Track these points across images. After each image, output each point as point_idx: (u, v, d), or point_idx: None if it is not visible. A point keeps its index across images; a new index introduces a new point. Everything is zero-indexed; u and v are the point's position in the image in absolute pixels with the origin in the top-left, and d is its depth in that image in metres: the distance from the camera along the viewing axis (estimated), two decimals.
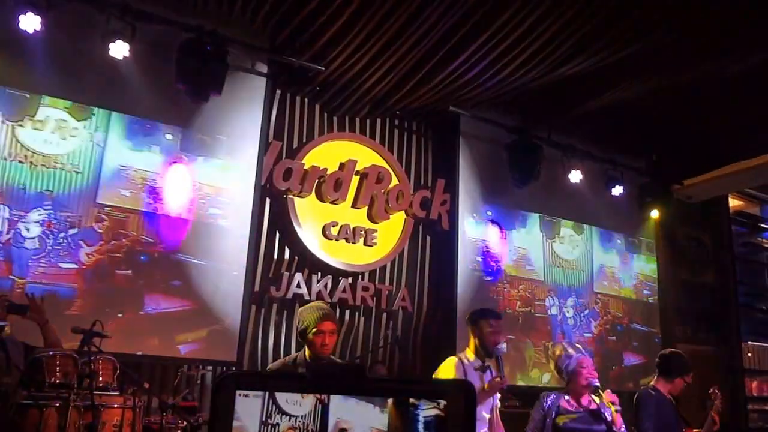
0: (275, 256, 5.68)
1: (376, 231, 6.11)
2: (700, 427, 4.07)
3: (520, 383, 6.46)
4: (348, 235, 5.93)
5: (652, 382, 3.86)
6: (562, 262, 7.35)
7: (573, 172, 6.93)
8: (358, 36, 5.18)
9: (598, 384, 3.18)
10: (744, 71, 5.79)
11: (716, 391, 4.08)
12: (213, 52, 5.00)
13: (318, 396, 0.90)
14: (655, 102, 6.56)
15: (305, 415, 0.91)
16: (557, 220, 7.38)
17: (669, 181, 7.93)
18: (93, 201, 4.86)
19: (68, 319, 4.32)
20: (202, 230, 5.24)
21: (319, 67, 5.54)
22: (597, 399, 3.17)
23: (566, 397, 3.23)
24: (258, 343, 5.46)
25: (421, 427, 0.88)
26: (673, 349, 4.17)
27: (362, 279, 6.00)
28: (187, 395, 4.65)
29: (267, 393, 0.90)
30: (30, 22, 4.43)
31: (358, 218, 6.07)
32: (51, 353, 3.42)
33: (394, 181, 6.27)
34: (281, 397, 0.91)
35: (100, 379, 3.46)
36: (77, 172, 4.83)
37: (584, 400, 3.23)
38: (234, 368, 5.09)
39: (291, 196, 5.72)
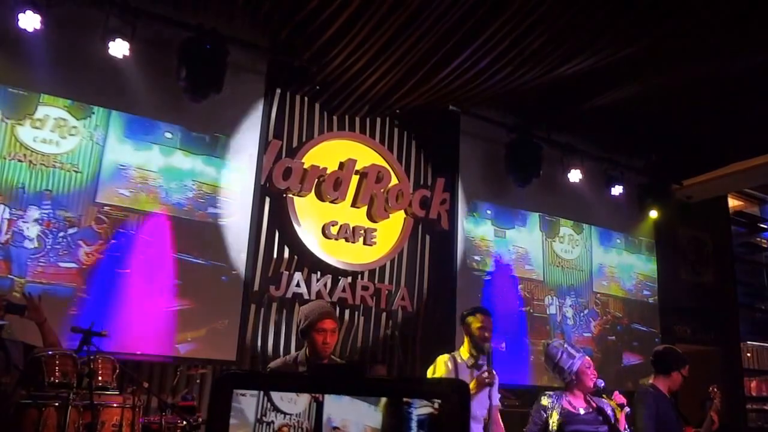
0: (275, 256, 5.67)
1: (375, 230, 6.10)
2: (699, 426, 4.08)
3: (519, 383, 6.46)
4: (347, 235, 5.93)
5: (650, 381, 3.87)
6: (562, 262, 7.35)
7: (573, 171, 6.93)
8: (358, 35, 5.18)
9: (603, 384, 3.17)
10: (744, 71, 5.80)
11: (715, 390, 4.09)
12: (213, 50, 5.00)
13: (313, 395, 0.90)
14: (654, 102, 6.57)
15: (300, 413, 0.91)
16: (557, 220, 7.38)
17: (668, 181, 7.94)
18: (92, 200, 4.85)
19: (68, 318, 4.31)
20: (201, 229, 5.23)
21: (319, 66, 5.54)
22: (609, 402, 3.17)
23: (567, 398, 3.22)
24: (258, 342, 5.46)
25: (414, 425, 0.88)
26: (666, 345, 4.17)
27: (362, 278, 6.00)
28: (187, 395, 4.64)
29: (262, 392, 0.91)
30: (29, 21, 4.42)
31: (358, 217, 6.07)
32: (50, 353, 3.41)
33: (394, 181, 6.26)
34: (276, 395, 0.91)
35: (100, 378, 3.44)
36: (76, 171, 4.83)
37: (585, 400, 3.23)
38: (234, 368, 5.08)
39: (290, 195, 5.71)
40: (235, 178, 5.44)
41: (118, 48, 4.69)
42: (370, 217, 6.11)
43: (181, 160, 5.25)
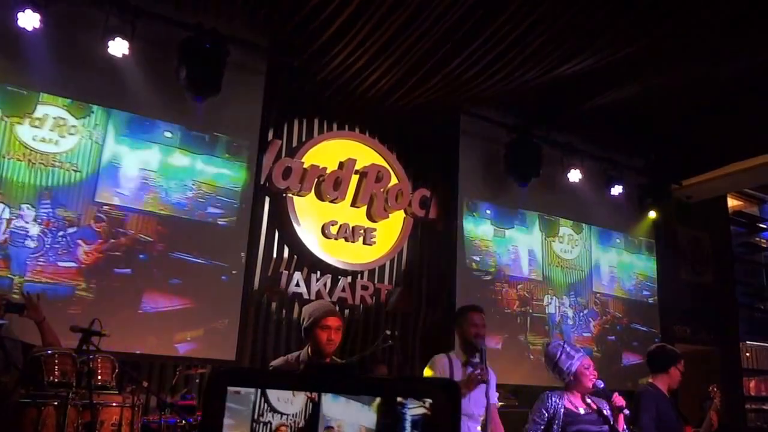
0: (274, 255, 5.67)
1: (375, 230, 6.10)
2: (699, 426, 4.08)
3: (519, 382, 6.46)
4: (347, 234, 5.93)
5: (649, 380, 3.87)
6: (561, 262, 7.35)
7: (572, 171, 6.93)
8: (358, 35, 5.17)
9: (603, 386, 3.17)
10: (744, 71, 5.80)
11: (715, 389, 4.09)
12: (212, 50, 5.00)
13: (308, 395, 0.91)
14: (654, 102, 6.57)
15: (296, 414, 0.92)
16: (556, 220, 7.38)
17: (668, 181, 7.94)
18: (92, 199, 4.84)
19: (67, 317, 4.30)
20: (201, 229, 5.23)
21: (319, 66, 5.54)
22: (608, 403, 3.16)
23: (568, 398, 3.21)
24: (257, 342, 5.45)
25: (408, 425, 0.89)
26: (657, 344, 4.18)
27: (361, 278, 6.00)
28: (186, 394, 4.64)
29: (259, 392, 0.91)
30: (29, 20, 4.42)
31: (358, 217, 6.06)
32: (49, 352, 3.40)
33: (394, 180, 6.26)
34: (272, 396, 0.92)
35: (99, 377, 3.43)
36: (76, 171, 4.82)
37: (586, 400, 3.22)
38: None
39: (290, 195, 5.71)
40: (235, 178, 5.44)
41: (118, 47, 4.68)
42: (370, 216, 6.11)
43: (181, 159, 5.24)
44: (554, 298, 7.17)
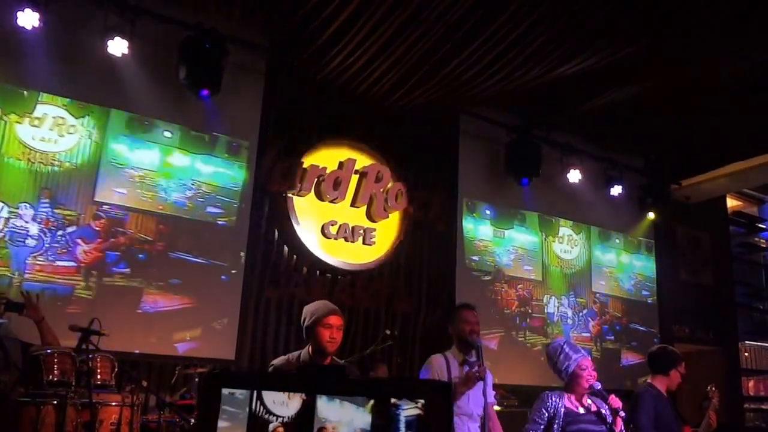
0: (274, 255, 5.66)
1: (374, 230, 6.10)
2: (698, 426, 4.08)
3: (519, 383, 6.46)
4: (347, 234, 5.93)
5: (648, 380, 3.87)
6: (561, 262, 7.36)
7: (572, 171, 6.94)
8: (358, 35, 5.17)
9: (600, 387, 3.17)
10: (742, 72, 5.80)
11: (714, 389, 4.09)
12: (212, 49, 5.00)
13: (304, 397, 0.92)
14: (654, 102, 6.56)
15: (292, 416, 0.92)
16: (556, 220, 7.39)
17: (667, 181, 7.95)
18: (91, 199, 4.84)
19: (66, 316, 4.30)
20: (200, 228, 5.23)
21: (319, 66, 5.53)
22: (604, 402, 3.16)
23: (568, 397, 3.22)
24: (256, 341, 5.45)
25: (402, 426, 0.89)
26: (659, 345, 4.18)
27: (361, 278, 5.99)
28: (185, 394, 4.64)
29: (254, 394, 0.92)
30: (28, 19, 4.41)
31: (357, 217, 6.06)
32: (49, 351, 3.40)
33: (393, 180, 6.26)
34: (268, 399, 0.93)
35: (98, 377, 3.44)
36: (75, 170, 4.82)
37: (585, 400, 3.23)
38: (232, 367, 5.08)
39: (290, 195, 5.70)
40: (235, 178, 5.44)
41: (117, 46, 4.68)
42: (370, 216, 6.11)
43: (180, 159, 5.24)
44: (554, 298, 7.18)
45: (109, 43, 4.67)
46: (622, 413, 3.12)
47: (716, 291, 8.69)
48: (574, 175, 6.94)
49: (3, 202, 4.53)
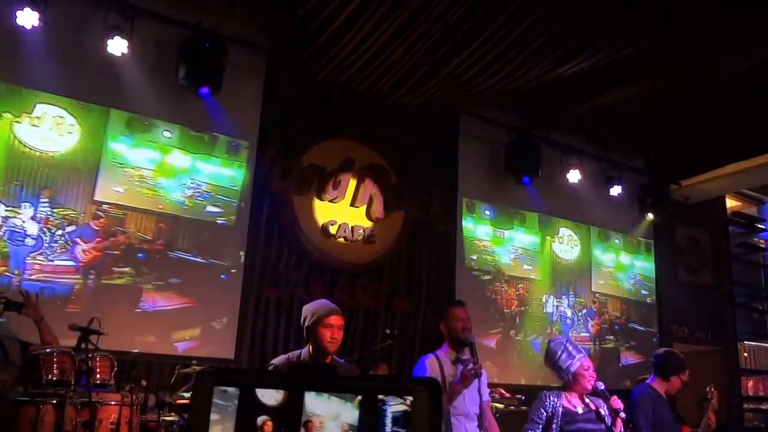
0: (273, 255, 5.66)
1: (374, 230, 6.10)
2: (697, 426, 4.08)
3: (518, 382, 6.47)
4: (347, 234, 5.92)
5: (648, 380, 3.87)
6: (560, 261, 7.36)
7: (572, 171, 6.94)
8: (358, 34, 5.17)
9: (604, 387, 3.16)
10: (742, 72, 5.80)
11: (713, 390, 4.09)
12: (212, 49, 4.99)
13: (292, 392, 0.93)
14: (653, 102, 6.57)
15: (280, 410, 0.94)
16: (556, 220, 7.39)
17: (667, 181, 7.95)
18: (90, 198, 4.84)
19: (66, 316, 4.30)
20: (200, 228, 5.22)
21: (319, 66, 5.53)
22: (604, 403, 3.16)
23: (566, 397, 3.22)
24: (256, 341, 5.45)
25: (389, 422, 0.90)
26: (667, 348, 4.17)
27: (361, 278, 5.99)
28: (185, 393, 4.63)
29: (244, 389, 0.94)
30: (28, 18, 4.41)
31: (357, 217, 6.06)
32: (48, 350, 3.40)
33: (393, 180, 6.26)
34: (258, 393, 0.94)
35: (98, 376, 3.44)
36: (75, 169, 4.81)
37: (584, 400, 3.23)
38: (232, 366, 5.08)
39: (290, 195, 5.70)
40: (234, 177, 5.44)
41: (117, 46, 4.68)
42: (369, 216, 6.11)
43: (180, 158, 5.24)
44: (553, 297, 7.18)
45: (109, 42, 4.67)
46: (623, 414, 3.11)
47: (715, 291, 8.69)
48: (574, 175, 6.94)
49: (2, 201, 4.53)
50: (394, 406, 0.89)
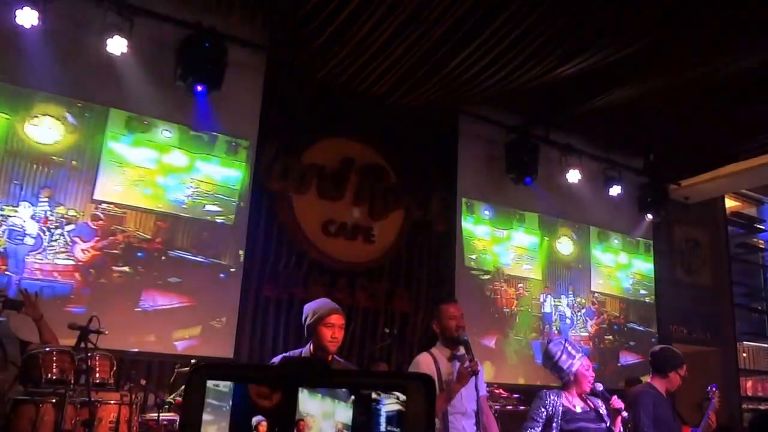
0: (273, 254, 5.66)
1: (374, 229, 6.10)
2: (697, 426, 4.08)
3: (517, 381, 6.47)
4: (346, 233, 5.92)
5: (648, 380, 3.87)
6: (560, 261, 7.36)
7: (571, 171, 6.94)
8: (358, 34, 5.17)
9: (602, 388, 3.16)
10: (741, 72, 5.80)
11: (714, 390, 4.09)
12: (212, 49, 4.99)
13: (286, 390, 0.93)
14: (653, 102, 6.57)
15: (274, 409, 0.94)
16: (555, 220, 7.39)
17: (666, 182, 7.95)
18: (90, 197, 4.83)
19: (65, 315, 4.30)
20: (200, 227, 5.22)
21: (318, 65, 5.53)
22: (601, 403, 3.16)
23: (566, 396, 3.22)
24: (255, 340, 5.45)
25: (383, 421, 0.90)
26: (663, 345, 4.16)
27: (360, 277, 5.99)
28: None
29: (237, 387, 0.94)
30: (27, 17, 4.40)
31: (357, 216, 6.06)
32: (48, 349, 3.40)
33: (393, 179, 6.26)
34: (251, 392, 0.94)
35: (97, 375, 3.43)
36: (74, 168, 4.81)
37: (582, 399, 3.23)
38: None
39: (290, 193, 5.70)
40: (234, 176, 5.43)
41: (116, 45, 4.68)
42: (369, 215, 6.11)
43: (180, 158, 5.24)
44: (552, 297, 7.18)
45: (109, 41, 4.66)
46: (625, 413, 3.11)
47: (714, 291, 8.69)
48: (574, 175, 6.94)
49: (1, 200, 4.52)
50: (388, 405, 0.89)
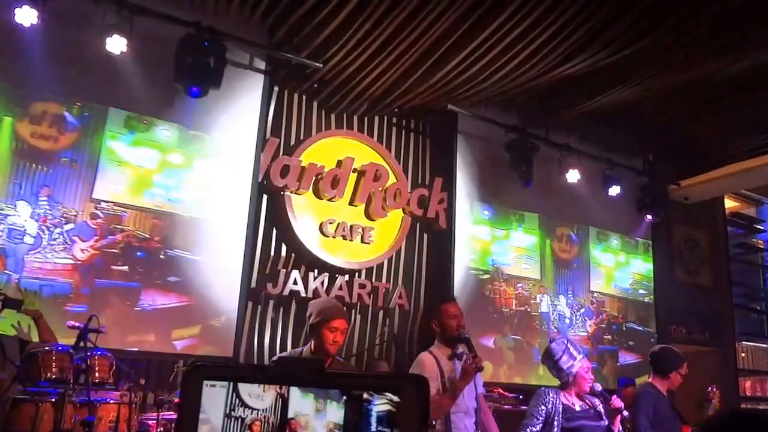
0: (272, 253, 5.66)
1: (373, 229, 6.10)
2: (697, 426, 4.09)
3: (516, 381, 6.47)
4: (345, 233, 5.92)
5: (648, 380, 3.87)
6: (559, 261, 7.36)
7: (570, 171, 6.94)
8: (357, 33, 5.17)
9: (601, 389, 3.16)
10: (743, 72, 5.81)
11: (714, 390, 4.10)
12: (211, 48, 4.99)
13: (278, 390, 0.94)
14: (652, 102, 6.58)
15: (266, 409, 0.94)
16: (554, 220, 7.39)
17: (665, 182, 7.96)
18: (89, 196, 4.83)
19: (64, 314, 4.30)
20: (198, 226, 5.22)
21: (318, 64, 5.54)
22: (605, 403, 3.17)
23: (564, 395, 3.22)
24: (254, 339, 5.45)
25: (374, 421, 0.91)
26: (663, 345, 4.17)
27: (359, 276, 6.00)
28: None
29: (231, 387, 0.94)
30: (26, 16, 4.39)
31: (356, 216, 6.06)
32: (47, 348, 3.40)
33: (392, 179, 6.26)
34: (243, 392, 0.94)
35: (96, 374, 3.43)
36: (73, 168, 4.81)
37: (581, 398, 3.23)
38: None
39: (288, 193, 5.70)
40: (233, 176, 5.43)
41: (115, 44, 4.67)
42: (368, 215, 6.11)
43: (179, 157, 5.24)
44: (551, 297, 7.18)
45: (108, 40, 4.65)
46: (626, 412, 3.12)
47: (714, 291, 8.70)
48: (573, 176, 6.94)
49: (0, 199, 4.52)
50: (379, 405, 0.90)
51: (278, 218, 5.70)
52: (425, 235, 6.51)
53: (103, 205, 4.86)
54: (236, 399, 0.93)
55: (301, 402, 0.92)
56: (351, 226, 5.97)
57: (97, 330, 3.48)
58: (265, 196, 5.67)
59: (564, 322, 7.22)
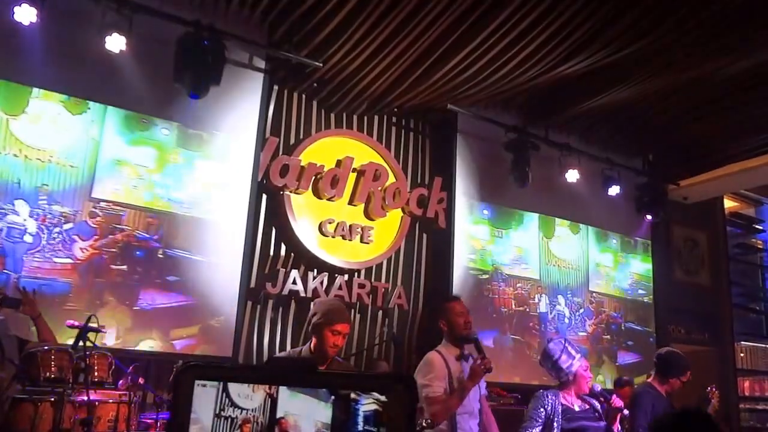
0: (271, 253, 5.66)
1: (372, 228, 6.10)
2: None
3: (515, 381, 6.47)
4: (344, 232, 5.92)
5: (648, 379, 3.88)
6: (558, 261, 7.36)
7: (570, 171, 6.94)
8: (357, 32, 5.17)
9: (600, 389, 3.17)
10: (743, 71, 5.81)
11: (714, 390, 4.11)
12: (210, 47, 4.98)
13: (267, 390, 0.94)
14: (652, 102, 6.58)
15: (255, 409, 0.95)
16: (554, 219, 7.39)
17: (665, 182, 7.96)
18: (88, 196, 4.82)
19: (64, 314, 4.29)
20: (198, 226, 5.21)
21: (317, 64, 5.53)
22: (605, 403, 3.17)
23: (564, 396, 3.22)
24: (254, 339, 5.45)
25: (360, 420, 0.91)
26: (670, 349, 4.17)
27: (358, 276, 5.99)
28: None
29: (221, 387, 0.95)
30: (25, 14, 4.38)
31: (355, 215, 6.06)
32: (46, 348, 3.40)
33: (391, 179, 6.26)
34: (233, 391, 0.95)
35: (96, 374, 3.44)
36: (72, 167, 4.80)
37: (580, 398, 3.23)
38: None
39: (287, 193, 5.70)
40: (232, 175, 5.42)
41: (115, 43, 4.66)
42: (367, 215, 6.11)
43: (178, 156, 5.23)
44: (551, 297, 7.18)
45: (107, 39, 4.64)
46: (626, 411, 3.13)
47: (713, 291, 8.71)
48: (572, 175, 6.95)
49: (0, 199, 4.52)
50: (366, 404, 0.90)
51: (278, 218, 5.69)
52: (424, 235, 6.51)
53: (103, 204, 4.86)
54: (226, 399, 0.94)
55: (290, 402, 0.93)
56: (350, 226, 5.97)
57: (96, 329, 3.48)
58: (264, 196, 5.67)
59: (563, 322, 7.22)
